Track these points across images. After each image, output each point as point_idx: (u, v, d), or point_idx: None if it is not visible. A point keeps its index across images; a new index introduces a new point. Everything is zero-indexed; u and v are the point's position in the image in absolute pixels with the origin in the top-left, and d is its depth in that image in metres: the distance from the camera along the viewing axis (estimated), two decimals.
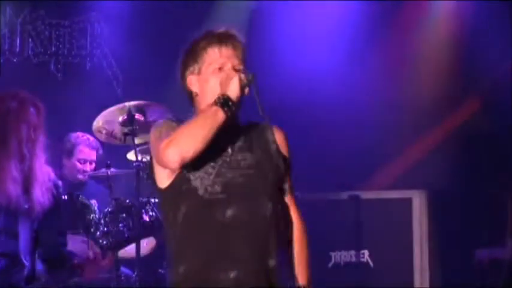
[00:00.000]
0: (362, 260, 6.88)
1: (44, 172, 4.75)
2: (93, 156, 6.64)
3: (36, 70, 7.77)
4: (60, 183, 5.08)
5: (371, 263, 6.88)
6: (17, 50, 7.73)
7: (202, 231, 3.35)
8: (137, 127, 6.16)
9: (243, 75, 3.36)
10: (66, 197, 5.96)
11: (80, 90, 7.63)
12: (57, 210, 4.87)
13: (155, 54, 7.79)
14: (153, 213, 6.08)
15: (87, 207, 6.00)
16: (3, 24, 7.65)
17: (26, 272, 4.68)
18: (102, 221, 5.92)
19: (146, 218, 6.01)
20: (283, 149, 3.52)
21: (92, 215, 5.95)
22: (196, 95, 3.50)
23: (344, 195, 7.02)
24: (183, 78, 3.53)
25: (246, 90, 3.36)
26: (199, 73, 3.48)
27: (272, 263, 3.37)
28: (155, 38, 7.82)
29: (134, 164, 6.07)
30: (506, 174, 6.92)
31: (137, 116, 6.23)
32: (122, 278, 6.05)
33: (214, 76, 3.43)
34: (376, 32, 7.66)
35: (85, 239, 5.85)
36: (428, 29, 7.59)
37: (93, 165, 6.65)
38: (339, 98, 7.55)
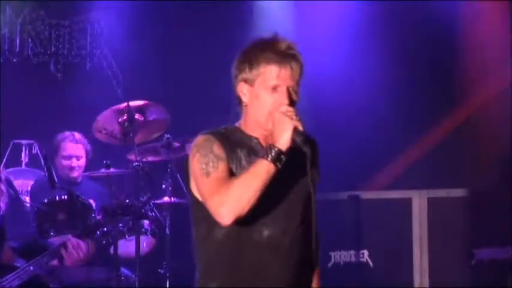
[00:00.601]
0: (362, 260, 6.88)
1: None
2: (78, 151, 6.49)
3: (36, 70, 7.77)
4: (11, 178, 5.09)
5: (371, 263, 6.88)
6: (17, 50, 7.74)
7: (241, 251, 3.31)
8: (137, 127, 6.17)
9: (297, 123, 3.27)
10: (66, 197, 5.96)
11: (79, 90, 7.63)
12: (15, 205, 4.87)
13: (155, 54, 7.80)
14: (153, 214, 6.08)
15: (86, 208, 6.00)
16: (3, 24, 7.66)
17: None
18: (102, 221, 5.92)
19: (146, 219, 6.02)
20: (318, 165, 3.54)
21: (91, 215, 5.95)
22: (246, 105, 3.40)
23: (344, 195, 7.02)
24: (236, 79, 3.43)
25: (300, 137, 3.29)
26: (252, 85, 3.37)
27: (308, 282, 3.41)
28: (155, 38, 7.82)
29: (134, 164, 6.07)
30: (507, 174, 6.92)
31: (137, 116, 6.24)
32: (122, 278, 6.06)
33: (268, 96, 3.34)
34: (376, 32, 7.66)
35: (85, 239, 5.85)
36: (429, 29, 7.58)
37: (82, 160, 6.51)
38: (339, 98, 7.55)
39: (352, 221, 6.95)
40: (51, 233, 5.83)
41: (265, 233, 3.30)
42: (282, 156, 3.22)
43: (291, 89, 3.37)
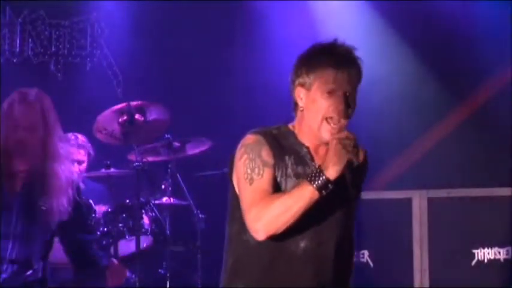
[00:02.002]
0: (362, 260, 6.88)
1: (62, 178, 4.67)
2: (80, 156, 6.44)
3: (36, 70, 7.77)
4: (81, 185, 5.03)
5: (371, 263, 6.87)
6: (17, 50, 7.74)
7: (273, 259, 3.28)
8: (137, 127, 6.17)
9: (352, 157, 3.21)
10: None
11: (80, 90, 7.64)
12: (77, 212, 4.80)
13: (155, 55, 7.80)
14: (153, 214, 6.08)
15: (87, 208, 5.99)
16: (3, 24, 7.66)
17: (39, 275, 4.65)
18: (102, 221, 5.92)
19: (146, 219, 6.02)
20: (363, 176, 3.51)
21: (91, 215, 5.95)
22: (302, 109, 3.34)
23: None
24: (293, 84, 3.38)
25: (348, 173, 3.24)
26: (309, 89, 3.31)
27: None
28: (155, 38, 7.82)
29: (134, 164, 6.08)
30: (507, 173, 6.92)
31: (137, 116, 6.24)
32: None
33: (324, 100, 3.29)
34: (376, 32, 7.66)
35: None
36: (428, 29, 7.59)
37: (83, 165, 6.47)
38: None
39: None
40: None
41: (302, 244, 3.27)
42: (329, 185, 3.15)
43: (349, 95, 3.30)
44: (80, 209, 4.76)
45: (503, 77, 7.37)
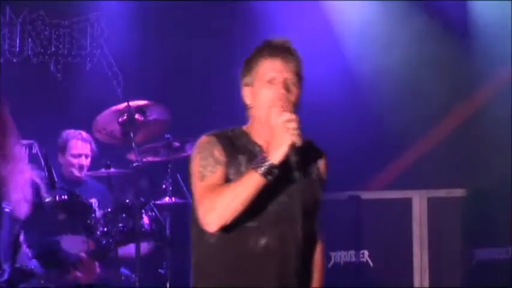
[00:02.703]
0: (362, 260, 6.88)
1: (19, 178, 4.72)
2: (86, 149, 6.55)
3: (36, 70, 7.76)
4: (41, 185, 5.07)
5: (371, 263, 6.88)
6: (17, 50, 7.73)
7: (234, 256, 3.33)
8: (137, 127, 6.17)
9: (295, 139, 3.25)
10: (66, 197, 5.95)
11: (79, 90, 7.63)
12: (40, 212, 4.85)
13: (155, 54, 7.80)
14: (153, 214, 6.08)
15: (87, 207, 5.99)
16: (3, 24, 7.65)
17: (6, 276, 4.67)
18: (102, 221, 5.92)
19: (146, 219, 6.02)
20: (323, 176, 3.57)
21: (91, 215, 5.95)
22: (250, 107, 3.44)
23: (344, 195, 7.02)
24: (242, 87, 3.47)
25: (294, 157, 3.28)
26: (252, 85, 3.41)
27: None
28: (155, 38, 7.82)
29: (134, 164, 6.07)
30: (506, 173, 6.91)
31: (137, 116, 6.24)
32: (122, 278, 6.06)
33: (265, 90, 3.37)
34: (377, 32, 7.66)
35: (85, 239, 5.85)
36: (428, 29, 7.58)
37: (89, 159, 6.57)
38: (339, 98, 7.55)
39: (352, 221, 6.95)
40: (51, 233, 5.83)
41: (262, 241, 3.31)
42: (274, 170, 3.22)
43: (289, 81, 3.39)
44: (42, 209, 4.80)
45: (503, 75, 7.37)
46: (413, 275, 6.76)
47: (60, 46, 7.85)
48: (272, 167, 3.21)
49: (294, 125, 3.26)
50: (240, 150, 3.37)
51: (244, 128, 3.46)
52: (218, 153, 3.34)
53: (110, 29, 7.92)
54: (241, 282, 3.31)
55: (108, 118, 6.28)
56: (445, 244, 6.81)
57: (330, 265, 6.93)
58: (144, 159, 6.14)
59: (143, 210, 5.96)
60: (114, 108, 6.30)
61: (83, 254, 5.33)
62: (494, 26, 7.38)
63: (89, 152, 6.56)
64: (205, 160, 3.34)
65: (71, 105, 7.47)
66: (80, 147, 6.54)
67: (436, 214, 6.85)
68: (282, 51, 3.44)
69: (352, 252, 6.91)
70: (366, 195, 7.04)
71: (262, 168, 3.21)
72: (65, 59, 7.86)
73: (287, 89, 3.38)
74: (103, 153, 6.59)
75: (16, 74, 7.55)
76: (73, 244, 5.74)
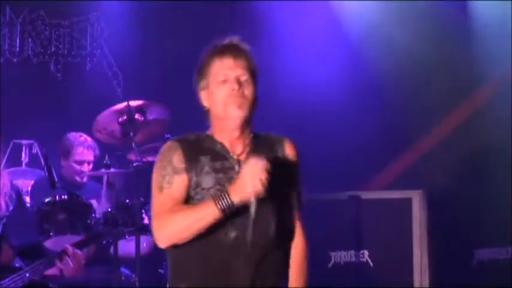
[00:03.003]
0: (362, 260, 6.88)
1: None
2: (90, 156, 6.54)
3: (36, 70, 7.76)
4: (19, 188, 5.12)
5: (371, 263, 6.87)
6: (17, 50, 7.73)
7: (205, 251, 3.35)
8: (137, 127, 6.16)
9: (258, 191, 3.23)
10: (66, 197, 5.96)
11: (79, 90, 7.63)
12: (20, 213, 4.88)
13: (155, 54, 7.80)
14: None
15: (87, 207, 5.99)
16: (3, 24, 7.65)
17: None
18: (102, 221, 5.91)
19: (146, 219, 6.02)
20: (295, 166, 3.52)
21: (91, 215, 5.95)
22: (207, 109, 3.49)
23: (344, 195, 7.02)
24: (198, 93, 3.53)
25: (253, 209, 3.28)
26: (208, 88, 3.47)
27: (278, 284, 3.41)
28: (155, 38, 7.82)
29: (134, 164, 6.07)
30: (506, 173, 6.92)
31: (137, 116, 6.24)
32: (122, 278, 6.06)
33: (219, 89, 3.42)
34: (376, 32, 7.66)
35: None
36: (428, 30, 7.58)
37: (91, 165, 6.56)
38: (340, 98, 7.55)
39: (352, 221, 6.94)
40: (51, 233, 5.82)
41: (232, 234, 3.33)
42: (233, 208, 3.25)
43: (242, 79, 3.42)
44: (22, 209, 4.84)
45: (503, 74, 7.37)
46: (413, 275, 6.75)
47: (60, 46, 7.85)
48: (232, 204, 3.25)
49: (261, 173, 3.24)
50: (202, 152, 3.42)
51: (208, 132, 3.51)
52: (177, 159, 3.39)
53: (110, 29, 7.92)
54: (214, 276, 3.34)
55: (108, 118, 6.28)
56: (445, 244, 6.81)
57: (330, 265, 6.93)
58: (144, 159, 6.13)
59: (143, 210, 5.96)
60: (114, 108, 6.30)
61: (67, 246, 5.33)
62: (494, 26, 7.38)
63: (92, 159, 6.55)
64: (164, 170, 3.39)
65: (71, 105, 7.47)
66: (85, 155, 6.52)
67: (436, 214, 6.85)
68: (231, 49, 3.48)
69: (352, 252, 6.91)
70: (366, 195, 7.04)
71: (221, 204, 3.25)
72: (65, 59, 7.86)
73: (239, 84, 3.40)
74: (103, 153, 6.59)
75: (16, 74, 7.55)
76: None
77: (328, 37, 7.75)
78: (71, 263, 5.18)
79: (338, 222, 6.89)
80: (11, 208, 4.93)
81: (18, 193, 5.20)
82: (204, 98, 3.49)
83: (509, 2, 7.30)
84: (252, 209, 3.26)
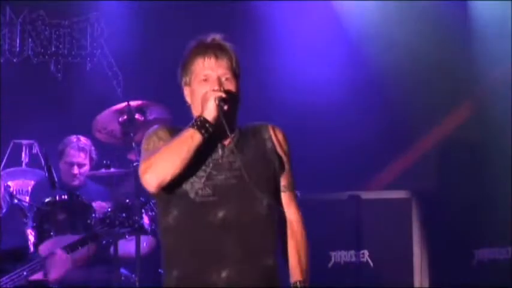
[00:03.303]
0: (362, 259, 6.88)
1: None
2: (80, 158, 6.47)
3: (37, 70, 7.77)
4: (11, 190, 5.15)
5: (371, 263, 6.88)
6: (17, 50, 7.74)
7: (195, 233, 3.39)
8: (137, 127, 6.16)
9: (219, 93, 3.40)
10: (66, 197, 5.96)
11: (80, 91, 7.63)
12: (12, 215, 4.90)
13: (155, 54, 7.80)
14: (153, 213, 6.08)
15: (87, 208, 5.99)
16: (3, 24, 7.66)
17: None
18: (102, 221, 5.91)
19: (146, 219, 6.02)
20: (281, 147, 3.55)
21: (91, 215, 5.95)
22: (189, 105, 3.56)
23: (344, 195, 7.02)
24: (181, 87, 3.59)
25: (225, 107, 3.40)
26: (190, 84, 3.53)
27: (269, 261, 3.42)
28: (155, 38, 7.82)
29: (134, 164, 6.07)
30: (506, 173, 6.92)
31: (137, 116, 6.24)
32: (122, 278, 6.06)
33: (200, 87, 3.47)
34: (376, 32, 7.66)
35: None
36: (428, 29, 7.58)
37: (85, 168, 6.49)
38: (339, 98, 7.55)
39: (352, 221, 6.94)
40: (51, 233, 5.83)
41: (220, 214, 3.38)
42: (208, 125, 3.36)
43: (223, 78, 3.47)
44: (13, 210, 4.85)
45: (503, 74, 7.36)
46: (413, 275, 6.75)
47: (60, 46, 7.86)
48: (205, 121, 3.36)
49: (215, 87, 3.41)
50: None
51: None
52: (162, 133, 3.50)
53: (110, 29, 7.92)
54: (205, 259, 3.37)
55: (108, 118, 6.28)
56: (445, 244, 6.81)
57: (330, 265, 6.93)
58: None
59: (143, 210, 5.96)
60: (114, 108, 6.30)
61: (55, 250, 5.34)
62: (494, 26, 7.38)
63: (83, 161, 6.48)
64: (149, 140, 3.50)
65: (71, 105, 7.47)
66: (73, 156, 6.46)
67: (436, 214, 6.85)
68: (214, 48, 3.52)
69: (352, 252, 6.91)
70: (366, 195, 7.04)
71: (196, 124, 3.36)
72: (65, 59, 7.86)
73: (221, 85, 3.46)
74: (103, 153, 6.58)
75: (16, 74, 7.55)
76: None
77: (328, 37, 7.75)
78: (57, 267, 5.19)
79: (338, 222, 6.89)
80: (4, 210, 4.95)
81: (10, 195, 5.22)
82: (186, 94, 3.57)
83: (509, 2, 7.30)
84: (221, 114, 3.36)
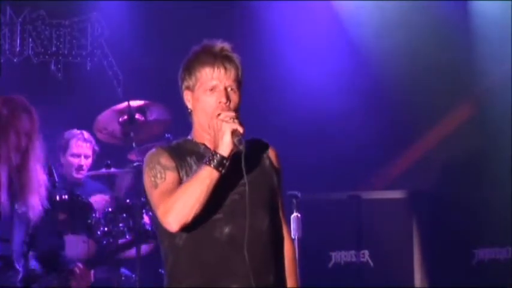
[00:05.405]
0: (362, 260, 6.88)
1: (38, 180, 4.72)
2: (87, 149, 6.52)
3: (37, 70, 7.76)
4: (54, 186, 5.10)
5: (371, 263, 6.88)
6: (17, 50, 7.73)
7: (203, 251, 3.39)
8: (137, 127, 6.17)
9: (235, 126, 3.32)
10: (66, 197, 5.96)
11: (80, 90, 7.63)
12: (52, 214, 4.87)
13: (155, 54, 7.80)
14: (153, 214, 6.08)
15: (87, 207, 5.99)
16: (3, 24, 7.65)
17: (20, 275, 4.68)
18: (103, 221, 5.92)
19: (146, 219, 6.02)
20: (277, 166, 3.58)
21: (92, 215, 5.95)
22: (190, 111, 3.54)
23: (344, 195, 7.02)
24: (181, 89, 3.57)
25: (242, 147, 3.32)
26: (193, 90, 3.51)
27: (272, 278, 3.44)
28: (155, 38, 7.82)
29: (134, 164, 6.08)
30: (507, 173, 6.92)
31: (137, 116, 6.24)
32: (122, 278, 6.06)
33: (206, 97, 3.45)
34: (376, 33, 7.66)
35: (86, 239, 5.85)
36: (428, 30, 7.59)
37: (89, 160, 6.54)
38: (340, 99, 7.56)
39: (352, 221, 6.95)
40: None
41: (226, 230, 3.37)
42: (225, 161, 3.30)
43: (229, 89, 3.45)
44: (49, 212, 4.81)
45: (503, 73, 7.36)
46: (413, 275, 6.76)
47: (61, 46, 7.85)
48: (222, 158, 3.29)
49: (231, 115, 3.35)
50: (187, 154, 3.47)
51: (188, 137, 3.57)
52: (165, 160, 3.44)
53: (110, 28, 7.92)
54: (211, 272, 3.37)
55: (109, 118, 6.29)
56: (445, 244, 6.81)
57: (330, 265, 6.93)
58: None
59: (144, 210, 5.97)
60: (115, 108, 6.30)
61: (79, 264, 5.33)
62: (495, 26, 7.38)
63: (89, 153, 6.53)
64: (154, 170, 3.44)
65: (71, 105, 7.47)
66: (80, 147, 6.51)
67: (436, 214, 6.86)
68: (223, 59, 3.50)
69: (353, 252, 6.91)
70: (366, 195, 7.04)
71: (214, 162, 3.29)
72: (65, 59, 7.86)
73: (228, 97, 3.44)
74: (103, 153, 6.59)
75: (16, 74, 7.55)
76: (73, 244, 5.75)
77: (328, 37, 7.75)
78: (80, 281, 5.19)
79: (338, 222, 6.89)
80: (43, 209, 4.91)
81: (48, 193, 5.17)
82: (187, 98, 3.54)
83: (509, 2, 7.30)
84: (241, 147, 3.30)
